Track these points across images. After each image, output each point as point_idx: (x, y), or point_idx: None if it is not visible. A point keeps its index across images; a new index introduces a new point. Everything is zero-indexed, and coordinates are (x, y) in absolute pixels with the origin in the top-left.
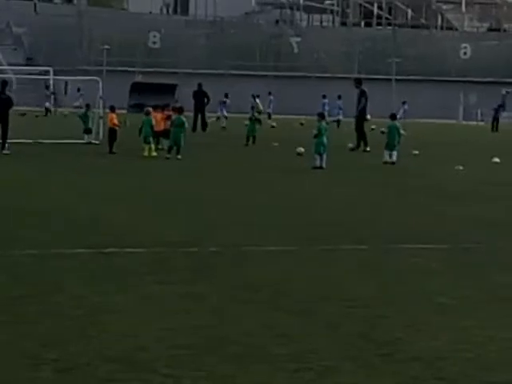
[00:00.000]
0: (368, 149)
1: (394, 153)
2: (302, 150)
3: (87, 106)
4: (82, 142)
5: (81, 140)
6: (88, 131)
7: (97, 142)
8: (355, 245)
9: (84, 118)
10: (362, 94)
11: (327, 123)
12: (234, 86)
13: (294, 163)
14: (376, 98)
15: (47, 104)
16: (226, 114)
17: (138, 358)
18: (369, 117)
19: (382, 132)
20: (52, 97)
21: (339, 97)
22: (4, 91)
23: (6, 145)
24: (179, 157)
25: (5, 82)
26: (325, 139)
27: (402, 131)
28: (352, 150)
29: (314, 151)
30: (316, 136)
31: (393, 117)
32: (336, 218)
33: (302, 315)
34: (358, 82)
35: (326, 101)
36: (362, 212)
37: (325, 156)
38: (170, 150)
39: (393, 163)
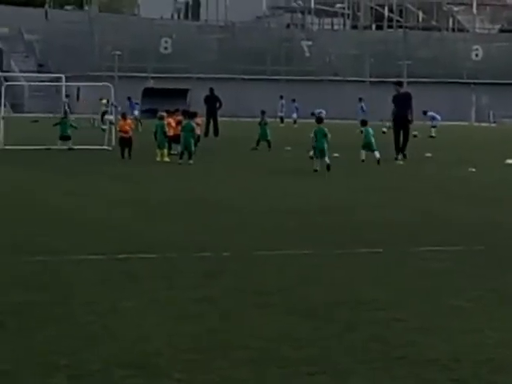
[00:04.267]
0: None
1: (363, 152)
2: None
3: (65, 112)
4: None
5: (93, 146)
6: (65, 138)
7: (109, 148)
8: (369, 248)
9: (62, 124)
10: (409, 96)
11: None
12: (246, 90)
13: (306, 167)
14: (388, 101)
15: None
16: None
17: (150, 363)
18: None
19: (383, 132)
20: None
21: (360, 99)
22: None
23: None
24: (191, 162)
25: None
26: (323, 143)
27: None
28: (396, 158)
29: (313, 154)
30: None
31: (363, 123)
32: (349, 221)
33: (316, 319)
34: (399, 85)
35: (283, 101)
36: (375, 215)
37: (326, 159)
38: (181, 155)
39: (362, 161)
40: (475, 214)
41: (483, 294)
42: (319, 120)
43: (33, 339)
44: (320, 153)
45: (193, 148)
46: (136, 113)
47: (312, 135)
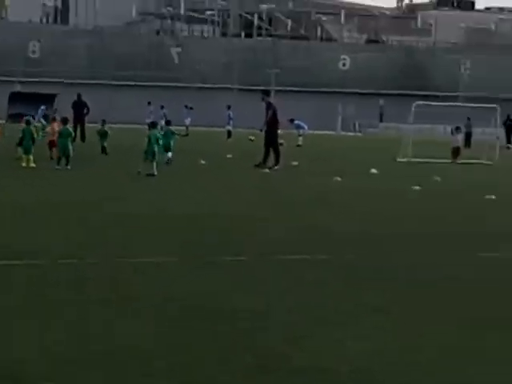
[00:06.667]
0: (276, 167)
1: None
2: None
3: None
4: None
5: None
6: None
7: None
8: (234, 256)
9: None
10: (269, 106)
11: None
12: (115, 96)
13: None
14: (255, 109)
15: None
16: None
17: (16, 371)
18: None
19: (251, 140)
20: None
21: (228, 107)
22: None
23: None
24: (69, 167)
25: None
26: (155, 147)
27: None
28: (257, 166)
29: (143, 158)
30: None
31: (153, 125)
32: (219, 229)
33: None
34: (266, 94)
35: (152, 108)
36: (240, 223)
37: (154, 165)
38: (59, 160)
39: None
40: (343, 223)
41: (350, 303)
42: (153, 125)
43: None
44: (151, 156)
45: (71, 153)
46: None
47: (146, 139)
